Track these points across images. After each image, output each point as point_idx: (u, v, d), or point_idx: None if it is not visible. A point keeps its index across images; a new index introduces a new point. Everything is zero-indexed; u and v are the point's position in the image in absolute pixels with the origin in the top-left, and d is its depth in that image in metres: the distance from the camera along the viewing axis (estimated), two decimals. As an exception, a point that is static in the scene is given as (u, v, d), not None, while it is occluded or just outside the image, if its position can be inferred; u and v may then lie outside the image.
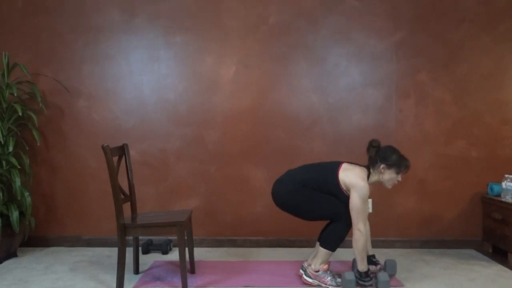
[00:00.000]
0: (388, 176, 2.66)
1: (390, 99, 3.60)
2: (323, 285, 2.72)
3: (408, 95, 3.59)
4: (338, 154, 3.57)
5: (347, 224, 2.67)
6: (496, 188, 3.44)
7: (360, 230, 2.57)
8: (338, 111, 3.58)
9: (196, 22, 3.59)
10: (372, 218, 3.62)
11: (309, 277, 2.76)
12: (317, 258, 2.76)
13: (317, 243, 2.83)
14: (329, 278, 2.72)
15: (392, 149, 2.68)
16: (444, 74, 3.58)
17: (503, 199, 3.30)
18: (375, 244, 3.60)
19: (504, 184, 3.31)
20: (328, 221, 2.81)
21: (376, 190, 3.60)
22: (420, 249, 3.59)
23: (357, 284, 2.63)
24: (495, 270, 3.08)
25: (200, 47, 3.59)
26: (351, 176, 2.64)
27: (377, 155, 2.66)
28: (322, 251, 2.73)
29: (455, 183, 3.60)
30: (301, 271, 2.83)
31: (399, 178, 2.69)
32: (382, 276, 2.63)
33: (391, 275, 2.84)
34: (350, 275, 2.63)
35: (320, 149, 3.61)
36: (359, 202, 2.56)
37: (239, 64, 3.59)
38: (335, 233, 2.69)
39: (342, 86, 3.60)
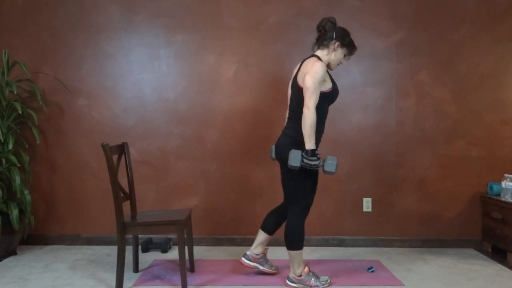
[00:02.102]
0: (338, 55, 2.64)
1: (390, 98, 3.60)
2: (308, 287, 2.66)
3: (408, 94, 3.59)
4: (338, 154, 3.58)
5: (298, 212, 2.62)
6: (495, 187, 3.44)
7: (309, 108, 2.44)
8: (338, 111, 3.58)
9: (197, 21, 3.59)
10: (371, 217, 3.63)
11: (293, 282, 2.68)
12: (292, 264, 2.67)
13: (260, 231, 2.86)
14: (313, 279, 2.67)
15: (348, 31, 2.66)
16: (444, 74, 3.58)
17: (502, 199, 3.31)
18: (375, 243, 3.61)
19: (503, 184, 3.31)
20: (272, 210, 2.86)
21: (376, 190, 3.61)
22: (420, 248, 3.59)
23: (302, 162, 2.45)
24: (494, 269, 3.08)
25: (201, 46, 3.59)
26: (306, 69, 2.55)
27: (333, 31, 2.60)
28: (292, 254, 2.64)
29: (455, 182, 3.60)
30: (243, 258, 2.85)
31: (343, 61, 2.71)
32: (330, 158, 2.48)
33: (332, 173, 2.52)
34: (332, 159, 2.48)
35: (320, 149, 3.59)
36: (311, 81, 2.46)
37: (240, 63, 3.59)
38: (293, 230, 2.62)
39: (342, 85, 3.58)
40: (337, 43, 2.61)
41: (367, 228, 3.62)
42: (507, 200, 3.25)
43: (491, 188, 3.47)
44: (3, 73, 3.35)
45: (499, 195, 3.43)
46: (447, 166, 3.60)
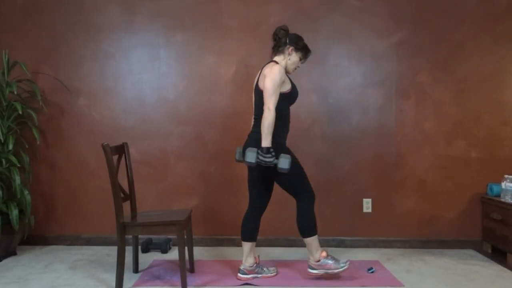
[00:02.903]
0: (294, 59, 2.80)
1: (390, 99, 3.60)
2: (329, 271, 2.77)
3: (408, 95, 3.59)
4: (338, 154, 3.58)
5: (308, 200, 2.77)
6: (495, 188, 3.44)
7: (270, 109, 2.60)
8: (338, 111, 3.58)
9: (197, 21, 3.59)
10: (371, 218, 3.63)
11: (313, 268, 2.80)
12: (309, 251, 2.78)
13: (243, 242, 2.84)
14: (331, 262, 2.78)
15: (300, 36, 2.82)
16: (444, 75, 3.58)
17: (502, 200, 3.30)
18: (375, 244, 3.61)
19: (503, 185, 3.31)
20: (245, 218, 2.87)
21: (376, 190, 3.61)
22: (420, 249, 3.59)
23: (257, 159, 2.58)
24: (494, 270, 3.08)
25: (201, 46, 3.59)
26: (265, 72, 2.71)
27: (286, 37, 2.77)
28: (308, 241, 2.76)
29: (455, 183, 3.60)
30: (239, 274, 2.84)
31: (300, 64, 2.86)
32: (284, 156, 2.59)
33: (285, 169, 2.62)
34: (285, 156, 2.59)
35: (320, 149, 3.61)
36: (270, 84, 2.62)
37: (240, 63, 3.59)
38: (304, 216, 2.76)
39: (342, 86, 3.60)
40: (291, 48, 2.78)
41: (367, 229, 3.62)
42: (507, 201, 3.25)
43: (491, 189, 3.47)
44: (3, 73, 3.35)
45: (499, 196, 3.42)
46: (447, 167, 3.60)
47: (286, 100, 2.76)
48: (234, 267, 3.06)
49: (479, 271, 3.05)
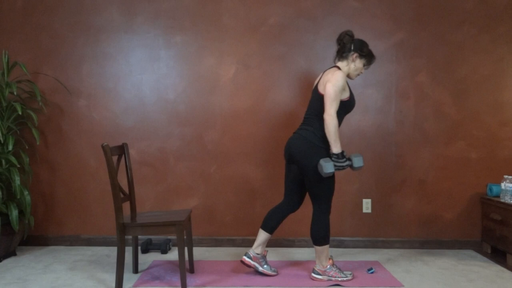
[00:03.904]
0: (358, 65, 2.80)
1: (390, 99, 3.60)
2: (333, 278, 2.80)
3: (407, 96, 3.60)
4: (338, 155, 3.58)
5: (323, 210, 2.77)
6: (495, 189, 3.44)
7: (331, 115, 2.63)
8: (338, 112, 3.59)
9: (196, 22, 3.59)
10: (371, 218, 3.63)
11: (318, 274, 2.82)
12: (318, 257, 2.81)
13: (260, 230, 2.92)
14: (337, 271, 2.81)
15: (366, 42, 2.82)
16: (443, 75, 3.59)
17: (502, 200, 3.31)
18: (375, 244, 3.61)
19: (503, 185, 3.31)
20: (273, 209, 2.93)
21: (376, 191, 3.61)
22: (419, 249, 3.59)
23: (335, 166, 2.64)
24: (494, 270, 3.08)
25: (200, 47, 3.60)
26: (328, 77, 2.73)
27: (351, 43, 2.77)
28: (319, 249, 2.79)
29: (455, 183, 3.61)
30: (245, 257, 2.90)
31: (363, 70, 2.86)
32: (355, 155, 2.68)
33: (361, 167, 2.75)
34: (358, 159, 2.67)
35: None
36: (332, 89, 2.64)
37: (239, 64, 3.60)
38: (320, 226, 2.77)
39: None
40: (355, 54, 2.78)
41: (367, 229, 3.62)
42: (506, 202, 3.25)
43: (490, 189, 3.47)
44: (3, 74, 3.35)
45: (498, 196, 3.43)
46: (446, 167, 3.60)
47: (343, 108, 2.75)
48: (234, 267, 3.07)
49: (479, 272, 3.05)
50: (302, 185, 2.90)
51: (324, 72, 2.82)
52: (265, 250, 2.96)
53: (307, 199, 3.55)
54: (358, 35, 3.57)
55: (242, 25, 3.58)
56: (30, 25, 3.60)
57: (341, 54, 2.81)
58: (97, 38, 3.61)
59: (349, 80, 3.57)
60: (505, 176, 3.32)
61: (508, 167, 3.58)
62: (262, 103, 3.60)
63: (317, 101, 2.75)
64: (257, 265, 2.89)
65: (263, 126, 3.60)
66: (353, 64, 2.79)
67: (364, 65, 2.83)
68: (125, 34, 3.60)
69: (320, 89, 2.74)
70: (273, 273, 2.91)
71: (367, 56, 2.80)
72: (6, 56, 3.37)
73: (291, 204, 2.93)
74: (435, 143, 3.60)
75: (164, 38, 3.60)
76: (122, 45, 3.61)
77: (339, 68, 2.78)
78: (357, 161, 2.66)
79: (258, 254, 2.90)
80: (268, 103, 3.60)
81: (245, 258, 2.89)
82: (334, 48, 3.59)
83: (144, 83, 3.62)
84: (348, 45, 2.78)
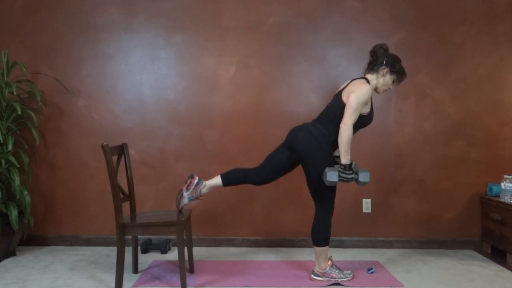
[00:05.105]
0: (387, 80, 2.75)
1: (390, 99, 3.60)
2: (333, 279, 2.78)
3: (407, 95, 3.60)
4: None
5: (326, 210, 2.75)
6: (495, 188, 3.44)
7: (347, 125, 2.57)
8: (338, 111, 3.58)
9: (196, 22, 3.59)
10: (371, 218, 3.63)
11: (318, 275, 2.82)
12: (317, 258, 2.80)
13: (218, 176, 2.81)
14: (336, 271, 2.80)
15: (399, 58, 2.77)
16: (443, 75, 3.59)
17: (502, 200, 3.31)
18: (374, 244, 3.61)
19: (503, 185, 3.31)
20: (241, 169, 2.85)
21: (376, 191, 3.61)
22: (419, 249, 3.59)
23: (340, 177, 2.58)
24: (493, 270, 3.08)
25: (200, 46, 3.60)
26: (353, 88, 2.67)
27: (384, 57, 2.72)
28: (319, 250, 2.77)
29: (454, 183, 3.61)
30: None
31: (391, 86, 2.81)
32: (362, 170, 2.63)
33: (366, 183, 2.67)
34: (364, 174, 2.61)
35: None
36: (355, 101, 2.58)
37: (239, 64, 3.59)
38: (322, 227, 2.74)
39: (341, 86, 3.60)
40: (386, 69, 2.73)
41: (366, 229, 3.62)
42: (506, 201, 3.25)
43: (490, 189, 3.47)
44: (2, 73, 3.35)
45: (498, 196, 3.43)
46: (446, 167, 3.60)
47: (359, 121, 2.69)
48: (234, 268, 3.06)
49: (479, 272, 3.05)
50: (284, 172, 2.84)
51: (352, 81, 2.76)
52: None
53: (307, 199, 3.54)
54: (358, 35, 3.57)
55: (242, 25, 3.58)
56: (30, 25, 3.60)
57: (372, 66, 2.75)
58: (97, 38, 3.60)
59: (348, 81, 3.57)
60: (505, 176, 3.32)
61: (508, 167, 3.58)
62: (262, 103, 3.60)
63: (337, 107, 2.69)
64: (197, 200, 2.88)
65: (263, 126, 3.60)
66: (382, 78, 2.74)
67: (393, 81, 2.77)
68: (125, 34, 3.60)
69: (344, 97, 2.68)
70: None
71: (398, 72, 2.74)
72: (6, 56, 3.36)
73: (260, 176, 2.83)
74: (435, 143, 3.60)
75: (164, 38, 3.60)
76: (122, 45, 3.60)
77: (367, 80, 2.73)
78: (363, 176, 2.60)
79: (202, 192, 2.80)
80: (268, 103, 3.60)
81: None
82: (334, 48, 3.59)
83: (144, 83, 3.62)
84: (380, 59, 2.72)
